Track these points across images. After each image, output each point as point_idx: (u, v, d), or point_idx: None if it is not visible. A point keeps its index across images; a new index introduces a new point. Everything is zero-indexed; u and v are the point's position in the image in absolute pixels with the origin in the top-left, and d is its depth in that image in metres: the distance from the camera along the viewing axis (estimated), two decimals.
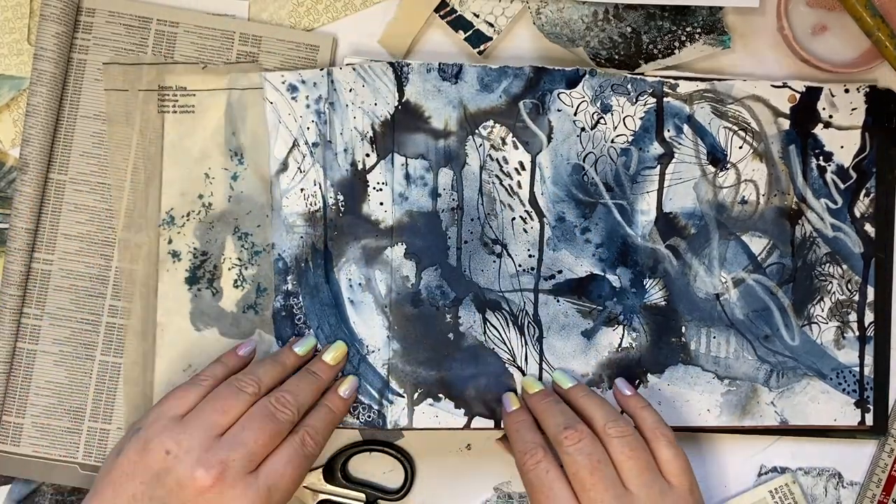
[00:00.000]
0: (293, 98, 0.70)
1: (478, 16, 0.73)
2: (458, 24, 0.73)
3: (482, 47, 0.73)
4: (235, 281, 0.71)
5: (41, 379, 0.72)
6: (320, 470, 0.74)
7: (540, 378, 0.71)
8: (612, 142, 0.72)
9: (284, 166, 0.71)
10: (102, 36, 0.72)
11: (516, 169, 0.71)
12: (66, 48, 0.71)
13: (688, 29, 0.72)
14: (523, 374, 0.71)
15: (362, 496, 0.74)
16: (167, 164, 0.71)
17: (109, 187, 0.72)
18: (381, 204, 0.71)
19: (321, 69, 0.70)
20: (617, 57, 0.72)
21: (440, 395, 0.70)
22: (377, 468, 0.75)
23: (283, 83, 0.70)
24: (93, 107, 0.72)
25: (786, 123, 0.73)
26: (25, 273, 0.71)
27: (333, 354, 0.69)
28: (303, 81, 0.70)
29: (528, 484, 0.64)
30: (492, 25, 0.73)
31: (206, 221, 0.71)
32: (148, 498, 0.60)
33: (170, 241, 0.72)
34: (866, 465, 0.76)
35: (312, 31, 0.73)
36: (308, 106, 0.70)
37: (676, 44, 0.72)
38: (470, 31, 0.73)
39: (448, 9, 0.73)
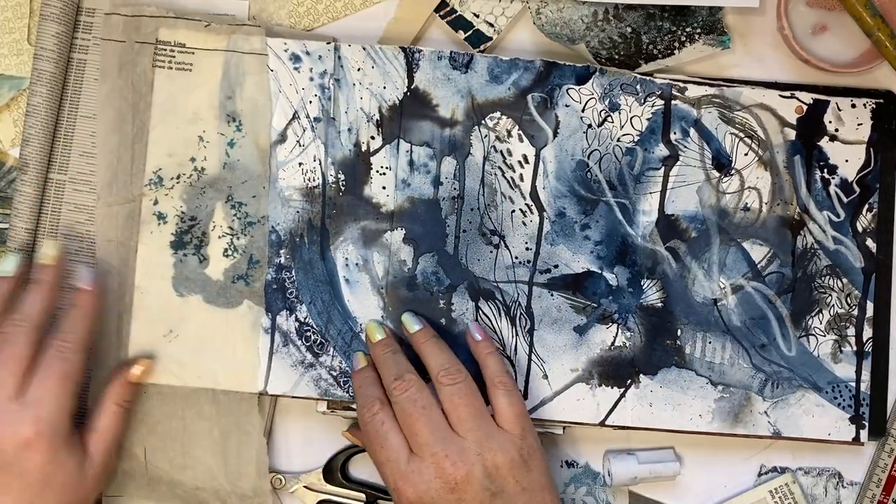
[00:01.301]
0: (296, 68, 0.71)
1: (478, 16, 0.74)
2: (458, 24, 0.74)
3: (482, 47, 0.73)
4: (226, 250, 0.71)
5: None
6: (320, 470, 0.74)
7: (529, 370, 0.71)
8: (618, 140, 0.72)
9: (283, 138, 0.71)
10: (102, 36, 0.72)
11: (520, 162, 0.72)
12: (66, 48, 0.71)
13: (687, 29, 0.73)
14: (512, 363, 0.71)
15: (362, 496, 0.74)
16: (155, 122, 0.71)
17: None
18: (384, 188, 0.71)
19: (327, 42, 0.71)
20: (617, 57, 0.73)
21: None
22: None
23: (286, 51, 0.71)
24: (93, 106, 0.72)
25: (792, 134, 0.73)
26: (27, 273, 0.70)
27: (46, 253, 0.68)
28: (307, 52, 0.71)
29: (365, 436, 0.66)
30: (492, 25, 0.74)
31: (198, 186, 0.71)
32: None
33: (155, 202, 0.71)
34: (866, 465, 0.75)
35: (311, 32, 0.74)
36: (311, 79, 0.71)
37: (676, 44, 0.73)
38: (470, 31, 0.74)
39: (448, 9, 0.74)
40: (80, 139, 0.72)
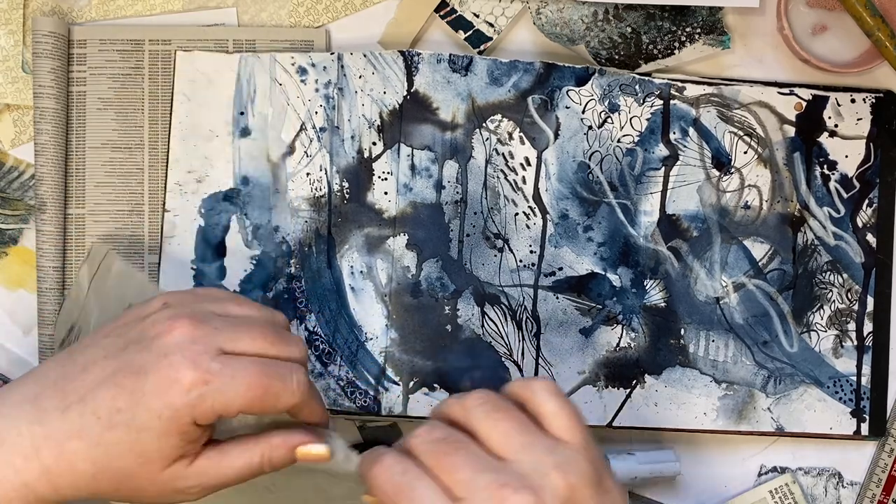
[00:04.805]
0: (302, 81, 0.71)
1: (478, 16, 0.73)
2: (459, 24, 0.73)
3: (482, 47, 0.73)
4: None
5: None
6: None
7: (536, 374, 0.71)
8: (619, 141, 0.72)
9: (291, 150, 0.71)
10: (97, 65, 0.72)
11: (522, 164, 0.72)
12: (63, 83, 0.71)
13: (688, 29, 0.73)
14: (519, 368, 0.71)
15: None
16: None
17: (128, 213, 0.72)
18: (386, 193, 0.71)
19: (331, 53, 0.71)
20: (617, 57, 0.73)
21: (435, 385, 0.70)
22: None
23: (293, 65, 0.71)
24: (100, 136, 0.72)
25: (791, 131, 0.73)
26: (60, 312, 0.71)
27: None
28: (312, 65, 0.71)
29: (379, 494, 0.50)
30: (492, 25, 0.73)
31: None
32: (118, 334, 0.54)
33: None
34: (866, 465, 0.75)
35: (304, 27, 0.73)
36: (317, 90, 0.71)
37: (676, 44, 0.73)
38: (470, 31, 0.73)
39: (448, 9, 0.73)
40: (93, 170, 0.72)
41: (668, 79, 0.72)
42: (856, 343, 0.73)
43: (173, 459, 0.52)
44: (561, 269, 0.72)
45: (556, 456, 0.49)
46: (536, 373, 0.71)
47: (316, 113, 0.71)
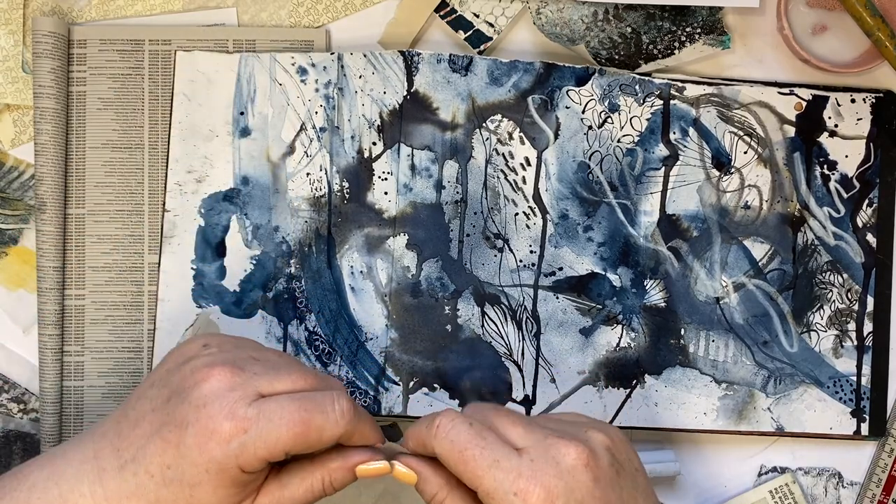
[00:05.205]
0: (302, 81, 0.71)
1: (478, 16, 0.73)
2: (459, 24, 0.73)
3: (482, 47, 0.73)
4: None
5: (93, 413, 0.72)
6: None
7: (536, 374, 0.71)
8: (619, 141, 0.72)
9: (291, 149, 0.71)
10: (97, 65, 0.72)
11: (522, 164, 0.72)
12: (63, 83, 0.71)
13: (688, 29, 0.73)
14: (519, 368, 0.71)
15: None
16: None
17: (128, 213, 0.72)
18: (386, 193, 0.71)
19: (331, 53, 0.71)
20: (617, 57, 0.73)
21: (435, 385, 0.70)
22: None
23: (293, 65, 0.71)
24: (100, 136, 0.72)
25: (791, 130, 0.73)
26: (60, 312, 0.71)
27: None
28: (312, 65, 0.71)
29: (451, 451, 0.52)
30: (492, 25, 0.73)
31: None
32: (163, 384, 0.53)
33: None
34: (866, 465, 0.75)
35: (304, 28, 0.73)
36: (317, 90, 0.71)
37: (676, 44, 0.73)
38: (470, 32, 0.73)
39: (448, 9, 0.73)
40: (93, 170, 0.72)
41: (668, 79, 0.72)
42: (856, 343, 0.73)
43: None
44: (561, 269, 0.72)
45: (588, 424, 0.55)
46: (537, 374, 0.71)
47: (316, 113, 0.71)
